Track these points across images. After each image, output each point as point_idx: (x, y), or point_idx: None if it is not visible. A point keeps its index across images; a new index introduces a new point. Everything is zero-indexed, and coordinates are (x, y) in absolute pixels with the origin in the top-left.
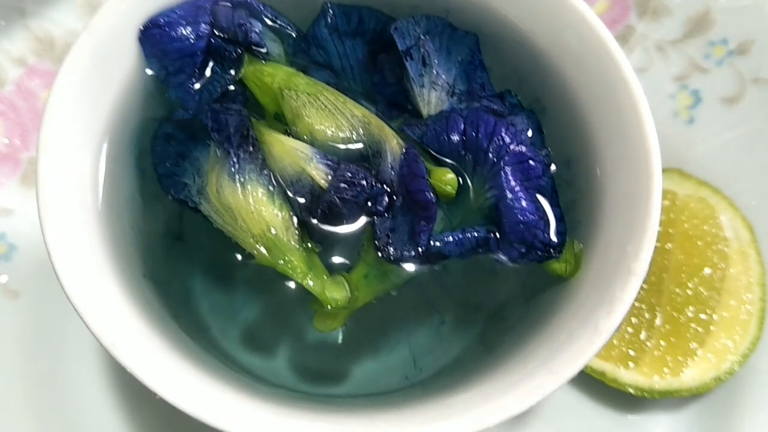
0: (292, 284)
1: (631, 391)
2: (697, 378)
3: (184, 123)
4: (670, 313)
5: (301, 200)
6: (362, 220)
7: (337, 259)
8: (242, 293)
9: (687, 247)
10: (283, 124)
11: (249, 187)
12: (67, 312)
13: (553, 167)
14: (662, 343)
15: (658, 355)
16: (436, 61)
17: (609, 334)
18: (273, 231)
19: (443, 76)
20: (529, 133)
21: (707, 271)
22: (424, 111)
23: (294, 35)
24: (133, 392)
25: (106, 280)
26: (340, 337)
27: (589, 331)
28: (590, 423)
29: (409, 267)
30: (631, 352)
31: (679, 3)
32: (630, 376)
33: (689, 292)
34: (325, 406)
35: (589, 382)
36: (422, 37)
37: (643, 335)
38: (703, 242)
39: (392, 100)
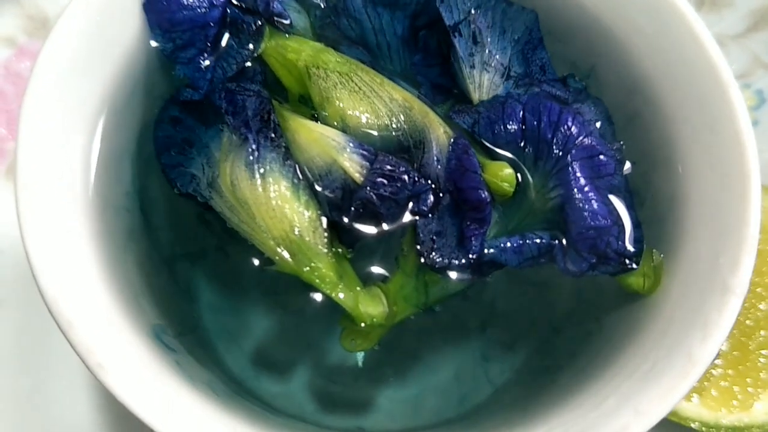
0: (314, 295)
1: (695, 426)
2: None
3: (193, 105)
4: (738, 338)
5: (331, 196)
6: (402, 221)
7: (371, 267)
8: (255, 305)
9: (757, 265)
10: (310, 108)
11: (270, 179)
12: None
13: (627, 165)
14: (730, 372)
15: (725, 386)
16: (488, 38)
17: (706, 365)
18: (297, 232)
19: (497, 57)
20: (598, 124)
21: None
22: (475, 96)
23: (322, 5)
24: (122, 412)
25: (95, 287)
26: (360, 360)
27: (680, 361)
28: None
29: (457, 277)
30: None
31: None
32: (693, 410)
33: (759, 314)
34: None
35: None
36: (472, 11)
37: None
38: None
39: (437, 83)
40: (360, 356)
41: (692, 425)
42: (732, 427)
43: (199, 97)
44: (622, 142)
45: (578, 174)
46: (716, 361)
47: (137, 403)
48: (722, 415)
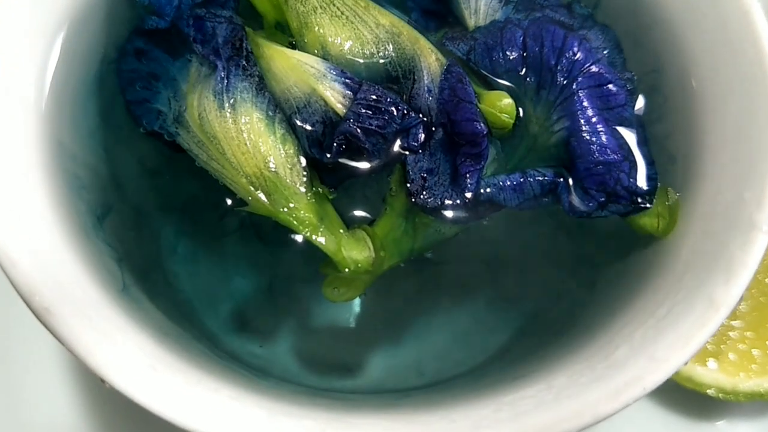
0: (296, 240)
1: (711, 392)
2: None
3: (160, 34)
4: (757, 298)
5: (311, 130)
6: (390, 158)
7: (356, 211)
8: (233, 255)
9: None
10: (287, 35)
11: (241, 110)
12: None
13: (640, 103)
14: (748, 334)
15: (743, 349)
16: None
17: (729, 308)
18: (273, 169)
19: None
20: (605, 53)
21: None
22: (471, 22)
23: None
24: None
25: (45, 224)
26: (353, 317)
27: (701, 305)
28: None
29: (451, 219)
30: (710, 346)
31: None
32: (709, 375)
33: None
34: (332, 402)
35: None
36: None
37: (724, 325)
38: None
39: (429, 10)
40: (351, 314)
41: (708, 392)
42: (751, 393)
43: (166, 25)
44: (633, 73)
45: (585, 104)
46: (734, 323)
47: (87, 352)
48: (740, 380)
